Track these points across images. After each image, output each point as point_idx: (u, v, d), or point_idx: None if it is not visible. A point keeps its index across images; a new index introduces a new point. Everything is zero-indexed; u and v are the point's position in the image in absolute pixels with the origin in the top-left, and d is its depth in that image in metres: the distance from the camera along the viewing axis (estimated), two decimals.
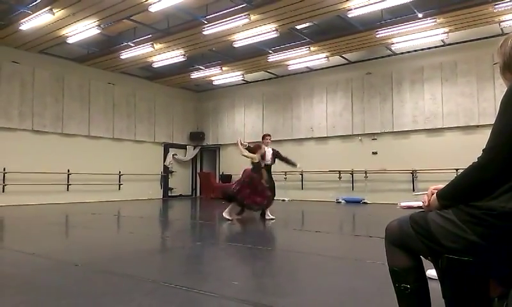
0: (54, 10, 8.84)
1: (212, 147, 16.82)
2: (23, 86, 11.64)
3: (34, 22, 9.34)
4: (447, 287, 1.55)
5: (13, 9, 9.32)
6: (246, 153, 7.61)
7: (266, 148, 8.02)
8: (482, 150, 1.42)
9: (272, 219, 7.40)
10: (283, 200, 13.66)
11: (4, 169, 11.01)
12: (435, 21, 9.38)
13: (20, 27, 9.67)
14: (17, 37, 10.53)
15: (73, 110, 12.77)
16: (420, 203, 1.69)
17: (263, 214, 7.59)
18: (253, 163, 7.55)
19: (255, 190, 7.27)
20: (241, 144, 7.82)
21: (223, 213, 7.39)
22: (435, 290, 1.63)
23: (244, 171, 7.58)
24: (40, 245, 4.85)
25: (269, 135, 8.51)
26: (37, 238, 5.66)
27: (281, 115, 14.64)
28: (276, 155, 8.23)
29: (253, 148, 7.78)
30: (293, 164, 8.36)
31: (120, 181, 13.88)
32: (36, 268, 3.57)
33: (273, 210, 7.91)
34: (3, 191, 11.02)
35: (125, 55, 11.83)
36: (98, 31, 10.09)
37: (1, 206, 10.56)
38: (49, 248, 4.69)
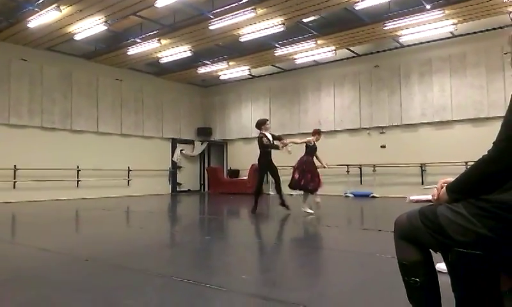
0: (61, 7, 8.88)
1: (220, 142, 16.85)
2: (32, 83, 11.74)
3: (41, 19, 9.39)
4: (457, 281, 1.54)
5: (21, 6, 9.38)
6: (297, 140, 7.84)
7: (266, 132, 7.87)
8: (493, 143, 1.41)
9: (311, 213, 7.29)
10: (291, 195, 13.65)
11: (15, 166, 11.13)
12: (443, 12, 9.27)
13: (28, 25, 9.73)
14: (25, 34, 10.60)
15: (81, 107, 12.85)
16: (429, 197, 1.68)
17: (283, 203, 7.54)
18: (307, 147, 7.69)
19: (314, 173, 7.48)
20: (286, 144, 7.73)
21: (303, 209, 7.35)
22: (445, 283, 1.63)
23: (300, 159, 7.67)
24: (51, 241, 4.91)
25: (267, 119, 8.24)
26: (48, 233, 5.73)
27: (289, 109, 14.61)
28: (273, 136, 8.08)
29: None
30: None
31: (128, 177, 13.97)
32: (47, 263, 3.62)
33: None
34: (14, 187, 11.15)
35: (132, 51, 11.87)
36: (105, 28, 10.12)
37: (12, 202, 10.70)
38: (60, 243, 4.74)
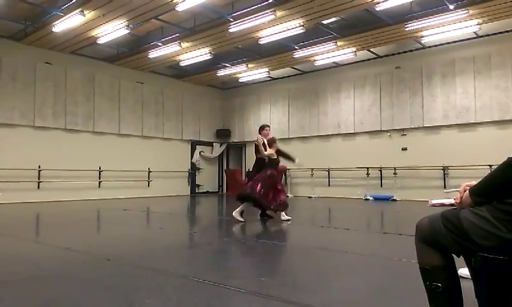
0: (85, 12, 9.09)
1: (238, 144, 16.90)
2: (56, 86, 12.03)
3: (66, 23, 9.62)
4: (480, 286, 1.51)
5: (46, 11, 9.65)
6: (269, 151, 6.88)
7: (265, 139, 7.09)
8: None
9: (288, 219, 6.77)
10: (310, 197, 13.58)
11: (39, 167, 11.42)
12: (467, 12, 9.08)
13: (53, 29, 9.99)
14: (50, 39, 10.88)
15: (103, 109, 13.11)
16: (451, 200, 1.65)
17: (263, 214, 7.09)
18: (270, 159, 6.93)
19: (278, 189, 6.82)
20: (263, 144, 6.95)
21: (233, 214, 6.78)
22: (468, 289, 1.59)
23: (265, 170, 6.83)
24: (74, 240, 5.01)
25: (268, 126, 7.54)
26: (71, 233, 5.85)
27: (308, 111, 14.54)
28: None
29: (269, 142, 7.03)
30: (292, 159, 7.45)
31: (149, 178, 14.16)
32: (70, 262, 3.70)
33: (300, 207, 7.86)
34: (38, 188, 11.45)
35: (153, 54, 12.03)
36: (127, 31, 10.30)
37: (36, 202, 10.99)
38: (82, 243, 4.84)
